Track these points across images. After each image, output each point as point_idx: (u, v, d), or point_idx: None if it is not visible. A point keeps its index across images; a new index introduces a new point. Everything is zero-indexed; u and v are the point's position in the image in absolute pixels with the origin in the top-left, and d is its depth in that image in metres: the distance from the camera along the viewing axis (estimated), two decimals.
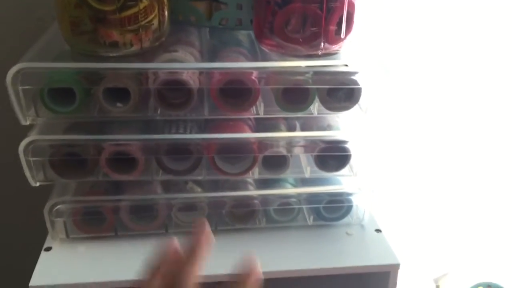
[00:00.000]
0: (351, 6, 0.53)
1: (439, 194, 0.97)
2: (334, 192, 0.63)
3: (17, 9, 0.78)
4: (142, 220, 0.61)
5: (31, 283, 0.53)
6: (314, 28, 0.53)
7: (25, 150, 0.55)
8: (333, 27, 0.53)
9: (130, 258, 0.57)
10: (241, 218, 0.62)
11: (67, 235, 0.60)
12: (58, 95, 0.53)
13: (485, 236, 0.99)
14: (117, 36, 0.53)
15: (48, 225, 0.59)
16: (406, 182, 0.95)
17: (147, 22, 0.54)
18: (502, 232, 0.99)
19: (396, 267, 0.58)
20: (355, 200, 0.63)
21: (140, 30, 0.54)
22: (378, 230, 0.64)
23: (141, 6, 0.53)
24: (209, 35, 0.67)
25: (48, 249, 0.59)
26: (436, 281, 1.00)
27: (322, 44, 0.54)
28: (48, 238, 0.60)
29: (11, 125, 0.59)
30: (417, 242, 0.97)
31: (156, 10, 0.55)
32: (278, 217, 0.63)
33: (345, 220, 0.64)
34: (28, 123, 0.55)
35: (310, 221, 0.64)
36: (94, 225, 0.60)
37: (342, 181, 0.65)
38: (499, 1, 0.85)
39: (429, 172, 0.95)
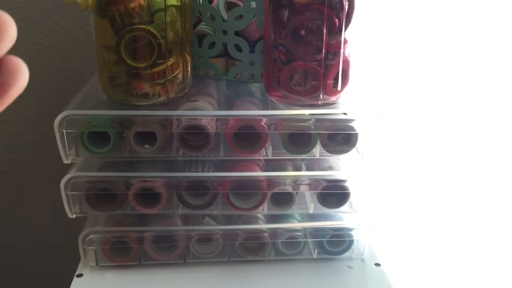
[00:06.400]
0: (346, 63, 0.57)
1: (437, 228, 0.96)
2: (336, 227, 0.65)
3: (58, 62, 0.85)
4: (164, 251, 0.64)
5: None
6: (314, 82, 0.56)
7: (66, 185, 0.59)
8: (330, 81, 0.56)
9: (151, 285, 0.61)
10: (252, 250, 0.66)
11: (97, 263, 0.63)
12: (95, 137, 0.57)
13: (487, 271, 0.97)
14: (147, 88, 0.58)
15: (81, 253, 0.63)
16: (404, 218, 0.94)
17: (173, 77, 0.59)
18: (504, 266, 0.98)
19: None
20: (356, 235, 0.65)
21: (167, 83, 0.58)
22: (377, 264, 0.66)
23: (169, 63, 0.57)
24: (226, 87, 0.70)
25: (80, 275, 0.62)
26: None
27: (321, 95, 0.57)
28: (80, 265, 0.63)
29: (53, 163, 0.65)
30: (418, 278, 0.97)
31: (181, 66, 0.59)
32: (286, 250, 0.66)
33: (347, 254, 0.67)
34: (69, 161, 0.58)
35: (315, 254, 0.66)
36: (121, 254, 0.64)
37: (344, 218, 0.66)
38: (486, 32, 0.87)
39: (427, 207, 0.95)
